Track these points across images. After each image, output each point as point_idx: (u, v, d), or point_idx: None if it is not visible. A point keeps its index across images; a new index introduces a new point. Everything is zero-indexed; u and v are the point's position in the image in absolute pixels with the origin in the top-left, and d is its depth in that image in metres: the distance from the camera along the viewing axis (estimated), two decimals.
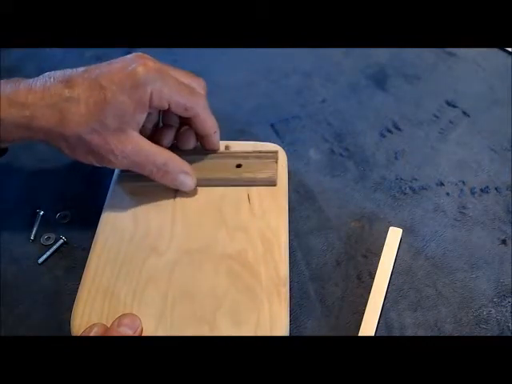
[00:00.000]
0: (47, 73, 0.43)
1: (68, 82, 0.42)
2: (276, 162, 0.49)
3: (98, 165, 0.44)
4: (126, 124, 0.42)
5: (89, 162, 0.44)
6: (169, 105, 0.44)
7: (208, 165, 0.49)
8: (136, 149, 0.43)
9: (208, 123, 0.48)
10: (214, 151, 0.50)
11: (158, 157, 0.45)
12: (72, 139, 0.42)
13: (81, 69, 0.43)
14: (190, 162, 0.49)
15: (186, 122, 0.48)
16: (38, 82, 0.43)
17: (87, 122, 0.41)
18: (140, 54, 0.44)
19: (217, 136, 0.49)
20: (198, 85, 0.47)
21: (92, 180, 0.52)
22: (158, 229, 0.45)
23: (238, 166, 0.49)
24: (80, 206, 0.51)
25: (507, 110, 0.59)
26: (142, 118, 0.43)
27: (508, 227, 0.49)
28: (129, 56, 0.44)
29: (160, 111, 0.48)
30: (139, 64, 0.42)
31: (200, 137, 0.49)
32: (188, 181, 0.46)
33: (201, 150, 0.50)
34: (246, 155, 0.50)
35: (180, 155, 0.49)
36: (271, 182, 0.48)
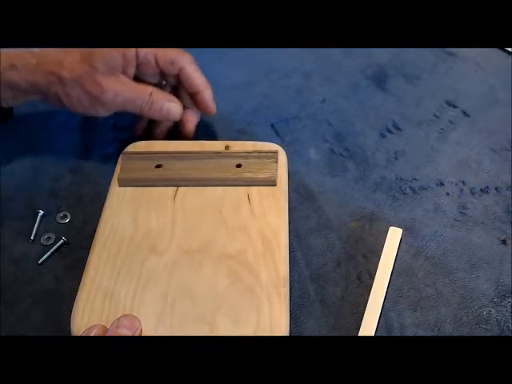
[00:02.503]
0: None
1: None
2: (276, 162, 0.49)
3: (92, 111, 0.49)
4: (114, 69, 0.48)
5: (83, 107, 0.49)
6: (155, 59, 0.49)
7: (208, 165, 0.49)
8: (125, 86, 0.49)
9: (196, 78, 0.51)
10: (210, 113, 0.53)
11: (145, 90, 0.49)
12: (68, 82, 0.47)
13: None
14: (190, 162, 0.49)
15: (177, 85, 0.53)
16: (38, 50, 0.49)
17: (81, 66, 0.47)
18: None
19: (208, 92, 0.52)
20: (186, 54, 0.51)
21: (92, 180, 0.53)
22: (157, 229, 0.45)
23: (238, 165, 0.49)
24: (80, 206, 0.51)
25: (507, 110, 0.59)
26: (130, 69, 0.49)
27: (508, 227, 0.49)
28: None
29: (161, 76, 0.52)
30: None
31: (192, 96, 0.52)
32: (174, 107, 0.50)
33: (201, 151, 0.50)
34: (246, 155, 0.50)
35: (180, 155, 0.49)
36: (271, 182, 0.48)
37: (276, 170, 0.49)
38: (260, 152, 0.50)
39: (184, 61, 0.50)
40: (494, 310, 0.44)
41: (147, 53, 0.49)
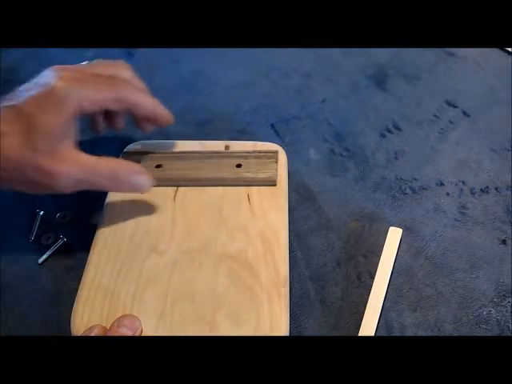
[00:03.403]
0: None
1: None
2: (276, 162, 0.49)
3: (44, 193, 0.42)
4: (57, 142, 0.41)
5: (36, 192, 0.43)
6: (102, 105, 0.43)
7: (208, 165, 0.49)
8: (75, 166, 0.41)
9: (145, 103, 0.46)
10: (168, 123, 0.48)
11: (102, 168, 0.43)
12: (13, 173, 0.41)
13: (3, 99, 0.42)
14: (190, 162, 0.49)
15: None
16: None
17: (21, 153, 0.40)
18: (55, 66, 0.43)
19: (161, 109, 0.47)
20: (123, 69, 0.46)
21: None
22: (157, 229, 0.45)
23: (238, 165, 0.49)
24: (80, 206, 0.51)
25: (507, 110, 0.59)
26: (74, 129, 0.42)
27: (508, 227, 0.49)
28: (45, 72, 0.43)
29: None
30: (57, 78, 0.42)
31: (148, 119, 0.47)
32: (143, 180, 0.44)
33: (201, 151, 0.50)
34: (246, 155, 0.50)
35: (180, 155, 0.49)
36: (271, 182, 0.48)
37: (276, 169, 0.49)
38: (260, 152, 0.50)
39: (129, 93, 0.45)
40: (493, 310, 0.44)
41: (91, 104, 0.42)
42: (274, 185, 0.48)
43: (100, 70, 0.45)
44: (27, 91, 0.42)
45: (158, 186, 0.47)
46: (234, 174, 0.48)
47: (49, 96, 0.41)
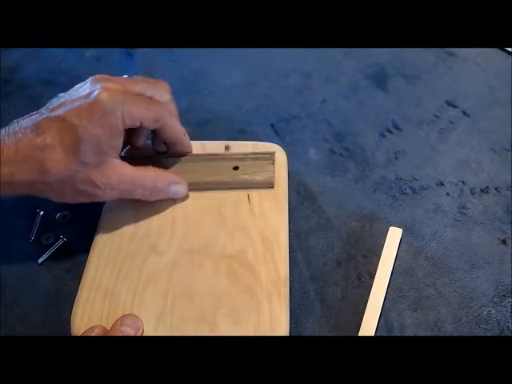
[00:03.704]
0: (15, 121, 0.42)
1: (38, 129, 0.40)
2: (273, 164, 0.49)
3: (87, 201, 0.43)
4: (104, 155, 0.42)
5: (78, 201, 0.44)
6: (141, 123, 0.44)
7: (205, 168, 0.49)
8: (121, 178, 0.43)
9: (177, 128, 0.47)
10: (188, 152, 0.49)
11: (145, 179, 0.45)
12: (56, 185, 0.41)
13: (45, 110, 0.42)
14: (186, 165, 0.48)
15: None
16: (8, 135, 0.41)
17: (67, 165, 0.40)
18: (97, 76, 0.43)
19: (187, 139, 0.49)
20: (163, 91, 0.46)
21: None
22: (157, 229, 0.45)
23: (235, 168, 0.49)
24: (80, 206, 0.50)
25: (507, 110, 0.59)
26: (119, 142, 0.43)
27: (508, 227, 0.49)
28: (86, 83, 0.43)
29: None
30: (101, 90, 0.41)
31: (171, 143, 0.48)
32: (180, 189, 0.46)
33: (198, 154, 0.50)
34: (243, 157, 0.49)
35: (176, 160, 0.48)
36: (269, 184, 0.48)
37: (273, 171, 0.48)
38: (257, 154, 0.50)
39: (166, 116, 0.45)
40: (493, 310, 0.44)
41: (133, 119, 0.43)
42: (272, 187, 0.48)
43: (142, 89, 0.44)
44: (71, 102, 0.42)
45: None
46: (231, 177, 0.48)
47: (94, 108, 0.41)
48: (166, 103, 0.46)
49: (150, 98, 0.45)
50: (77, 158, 0.41)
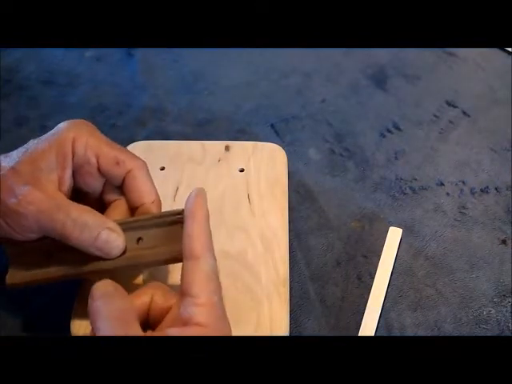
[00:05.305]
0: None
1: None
2: (182, 227, 0.35)
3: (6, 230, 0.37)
4: (39, 171, 0.37)
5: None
6: (97, 159, 0.39)
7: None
8: (44, 195, 0.36)
9: (145, 186, 0.40)
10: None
11: (73, 207, 0.37)
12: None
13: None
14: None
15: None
16: None
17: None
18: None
19: (156, 207, 0.40)
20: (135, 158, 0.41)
21: None
22: None
23: (139, 239, 0.38)
24: None
25: (507, 110, 0.59)
26: (63, 168, 0.38)
27: (508, 227, 0.49)
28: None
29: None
30: (68, 122, 0.40)
31: (134, 208, 0.40)
32: (113, 239, 0.37)
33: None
34: (145, 223, 0.38)
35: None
36: (176, 261, 0.37)
37: (180, 242, 0.35)
38: (160, 217, 0.38)
39: (133, 162, 0.39)
40: (493, 310, 0.44)
41: (86, 148, 0.38)
42: (180, 261, 0.35)
43: (116, 145, 0.41)
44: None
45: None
46: (131, 258, 0.38)
47: (50, 132, 0.40)
48: (139, 158, 0.41)
49: (119, 147, 0.40)
50: (10, 160, 0.38)
